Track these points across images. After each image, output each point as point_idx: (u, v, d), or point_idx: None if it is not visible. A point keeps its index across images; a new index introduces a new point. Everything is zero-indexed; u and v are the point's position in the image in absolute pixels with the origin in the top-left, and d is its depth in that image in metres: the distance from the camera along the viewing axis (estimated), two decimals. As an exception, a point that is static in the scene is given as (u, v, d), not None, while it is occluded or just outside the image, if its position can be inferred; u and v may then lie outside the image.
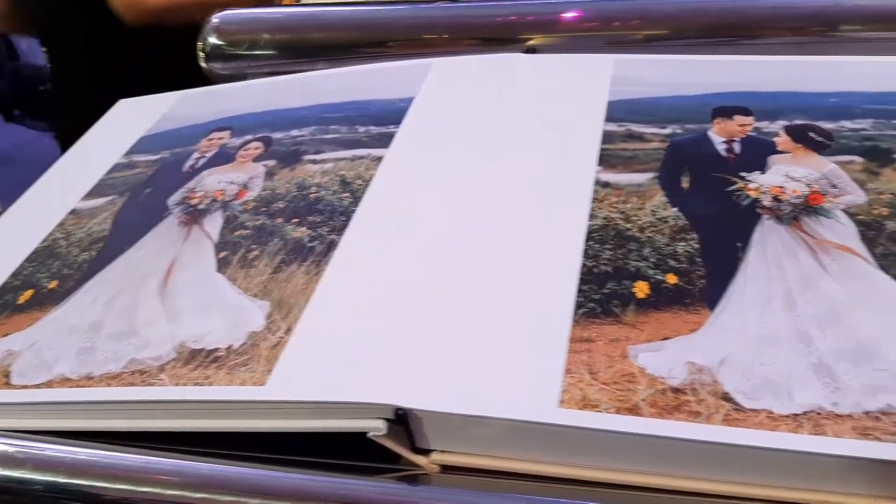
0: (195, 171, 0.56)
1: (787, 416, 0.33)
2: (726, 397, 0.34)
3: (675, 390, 0.35)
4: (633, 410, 0.34)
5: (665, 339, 0.37)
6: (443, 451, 0.37)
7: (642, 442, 0.34)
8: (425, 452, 0.37)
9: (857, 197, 0.43)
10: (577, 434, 0.34)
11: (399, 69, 0.62)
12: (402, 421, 0.36)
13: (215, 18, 0.69)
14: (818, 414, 0.33)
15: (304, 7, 0.70)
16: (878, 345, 0.36)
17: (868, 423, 0.33)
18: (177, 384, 0.40)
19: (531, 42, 0.64)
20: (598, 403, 0.35)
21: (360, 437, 0.37)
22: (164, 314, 0.44)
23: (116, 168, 0.60)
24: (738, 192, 0.44)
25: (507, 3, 0.67)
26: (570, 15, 0.64)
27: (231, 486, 0.37)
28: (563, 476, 0.36)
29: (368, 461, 0.38)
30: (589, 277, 0.41)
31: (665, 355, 0.37)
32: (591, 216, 0.44)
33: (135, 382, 0.41)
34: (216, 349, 0.41)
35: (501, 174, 0.49)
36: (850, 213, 0.42)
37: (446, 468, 0.37)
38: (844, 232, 0.41)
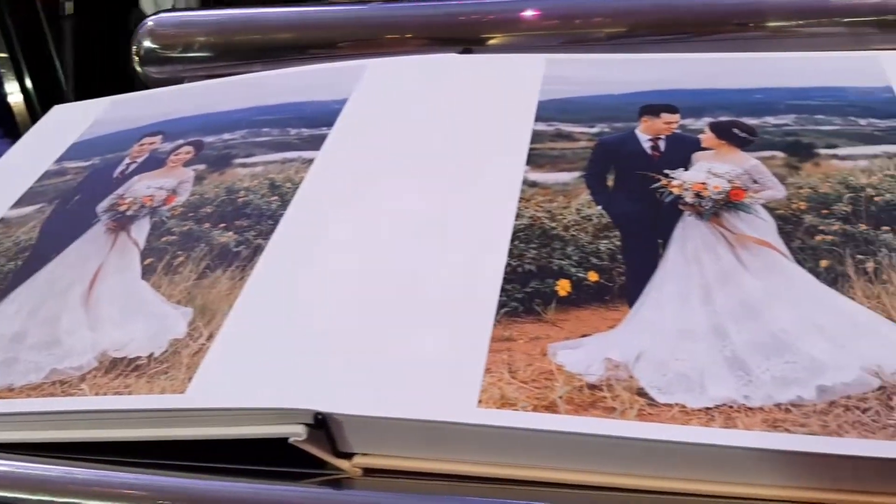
0: (125, 177, 0.55)
1: (700, 410, 0.34)
2: (641, 392, 0.35)
3: (592, 387, 0.35)
4: (550, 408, 0.34)
5: (584, 336, 0.38)
6: (364, 454, 0.37)
7: (559, 439, 0.34)
8: (348, 456, 0.37)
9: (778, 192, 0.44)
10: (496, 433, 0.35)
11: (335, 70, 0.62)
12: (322, 425, 0.36)
13: (150, 21, 0.69)
14: (730, 407, 0.34)
15: (240, 9, 0.70)
16: (791, 337, 0.36)
17: (778, 416, 0.33)
18: (97, 394, 0.39)
19: (492, 41, 0.65)
20: (516, 402, 0.35)
21: (284, 442, 0.36)
22: (87, 323, 0.44)
23: (47, 175, 0.59)
24: (661, 190, 0.45)
25: (469, 1, 0.66)
26: (529, 14, 0.64)
27: (154, 495, 0.37)
28: (485, 475, 0.36)
29: (294, 466, 0.37)
30: (513, 277, 0.41)
31: (583, 352, 0.37)
32: (518, 216, 0.44)
33: (55, 393, 0.40)
34: (138, 357, 0.41)
35: (431, 175, 0.49)
36: (770, 208, 0.43)
37: (369, 471, 0.37)
38: (764, 227, 0.42)
